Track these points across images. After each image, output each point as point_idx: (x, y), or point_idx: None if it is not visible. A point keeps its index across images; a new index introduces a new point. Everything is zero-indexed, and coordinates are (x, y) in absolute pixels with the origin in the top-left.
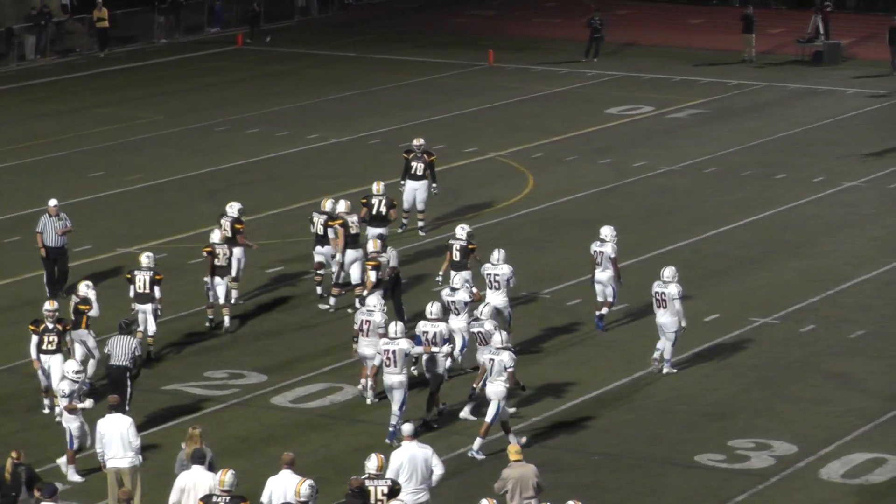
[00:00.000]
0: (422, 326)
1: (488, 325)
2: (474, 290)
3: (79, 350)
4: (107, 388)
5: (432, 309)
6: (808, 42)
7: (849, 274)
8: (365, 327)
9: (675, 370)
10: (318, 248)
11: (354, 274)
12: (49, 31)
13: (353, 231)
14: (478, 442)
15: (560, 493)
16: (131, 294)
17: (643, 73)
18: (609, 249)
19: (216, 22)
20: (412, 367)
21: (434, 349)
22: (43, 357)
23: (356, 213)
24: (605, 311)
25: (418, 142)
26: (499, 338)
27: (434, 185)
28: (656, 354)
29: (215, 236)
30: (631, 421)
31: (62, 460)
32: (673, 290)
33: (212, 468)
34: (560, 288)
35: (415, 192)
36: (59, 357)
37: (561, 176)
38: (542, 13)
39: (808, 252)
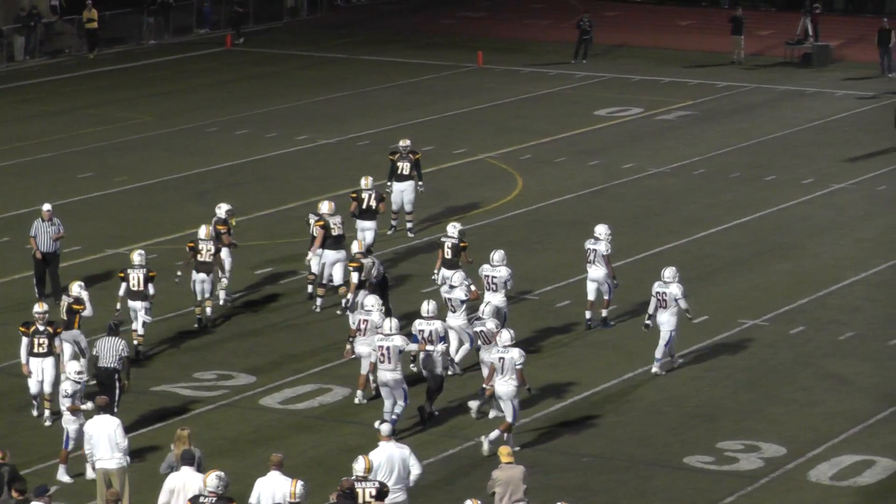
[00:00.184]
0: (417, 325)
1: (490, 324)
2: (472, 288)
3: (68, 350)
4: (95, 390)
5: (428, 307)
6: (797, 44)
7: (838, 276)
8: (363, 326)
9: (663, 372)
10: (330, 253)
11: (337, 275)
12: (38, 32)
13: (336, 232)
14: (495, 433)
15: (548, 494)
16: (121, 292)
17: (632, 74)
18: (603, 248)
19: (205, 23)
20: (411, 364)
21: (429, 347)
22: (34, 360)
23: (339, 215)
24: (604, 311)
25: (404, 143)
26: (507, 335)
27: (420, 183)
28: (674, 356)
29: (201, 232)
30: (620, 423)
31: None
32: (675, 290)
33: (201, 469)
34: (549, 289)
35: (402, 193)
36: (50, 360)
37: (550, 177)
38: (532, 15)
39: (798, 254)
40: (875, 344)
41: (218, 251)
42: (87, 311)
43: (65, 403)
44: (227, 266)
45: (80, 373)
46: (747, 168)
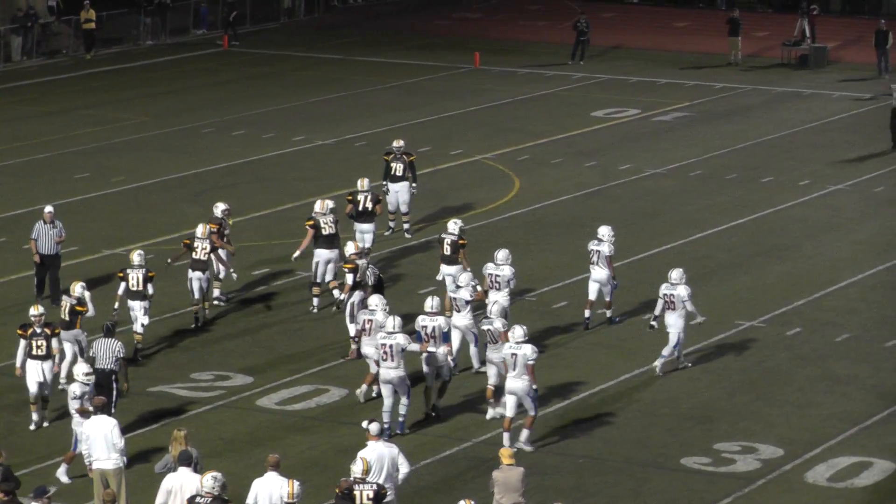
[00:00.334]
0: (420, 321)
1: (497, 323)
2: (479, 289)
3: (69, 350)
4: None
5: (432, 303)
6: (794, 45)
7: (834, 277)
8: (367, 326)
9: (661, 373)
10: (322, 252)
11: (329, 275)
12: (35, 32)
13: (328, 231)
14: (525, 434)
15: (544, 496)
16: (120, 291)
17: (629, 76)
18: (606, 249)
19: (202, 24)
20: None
21: (431, 348)
22: (33, 362)
23: (332, 214)
24: (608, 312)
25: (398, 143)
26: (521, 331)
27: (413, 185)
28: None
29: (199, 230)
30: (616, 424)
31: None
32: (682, 291)
33: (198, 470)
34: (546, 290)
35: (396, 194)
36: (49, 363)
37: (546, 178)
38: (528, 16)
39: (793, 255)
40: (871, 345)
41: (214, 250)
42: (90, 312)
43: (73, 405)
44: (223, 266)
45: (88, 374)
46: (744, 169)
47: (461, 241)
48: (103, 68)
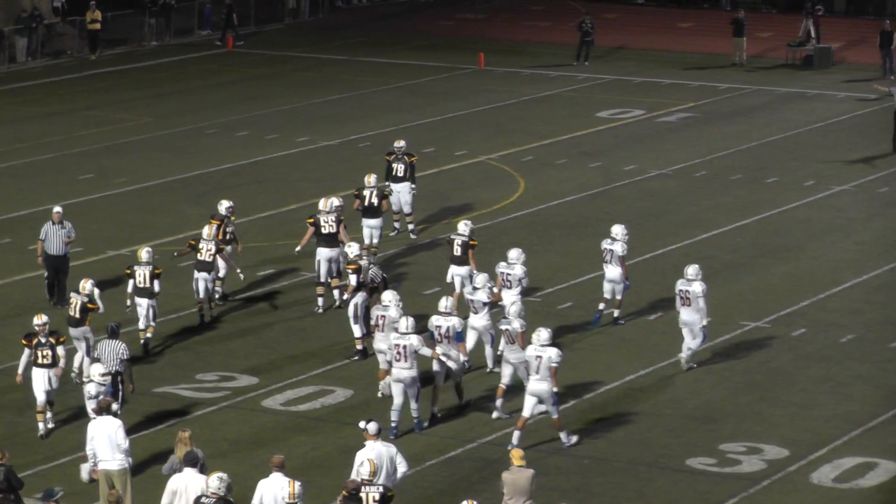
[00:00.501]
0: (434, 320)
1: (515, 324)
2: (495, 290)
3: (82, 348)
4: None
5: (446, 303)
6: (798, 46)
7: (838, 278)
8: (380, 322)
9: (692, 364)
10: (322, 250)
11: (324, 272)
12: (39, 33)
13: (327, 230)
14: (562, 434)
15: (548, 496)
16: (129, 289)
17: (633, 76)
18: (619, 248)
19: (206, 25)
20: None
21: (441, 357)
22: (39, 371)
23: (335, 213)
24: (615, 312)
25: (399, 144)
26: (546, 334)
27: (413, 185)
28: (684, 354)
29: (204, 231)
30: (620, 424)
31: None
32: (697, 287)
33: (204, 470)
34: (550, 291)
35: (398, 194)
36: (55, 371)
37: (551, 179)
38: (531, 17)
39: (798, 256)
40: (875, 346)
41: (219, 251)
42: (100, 311)
43: (90, 405)
44: (223, 266)
45: (104, 375)
46: (748, 170)
47: (472, 242)
48: (107, 69)
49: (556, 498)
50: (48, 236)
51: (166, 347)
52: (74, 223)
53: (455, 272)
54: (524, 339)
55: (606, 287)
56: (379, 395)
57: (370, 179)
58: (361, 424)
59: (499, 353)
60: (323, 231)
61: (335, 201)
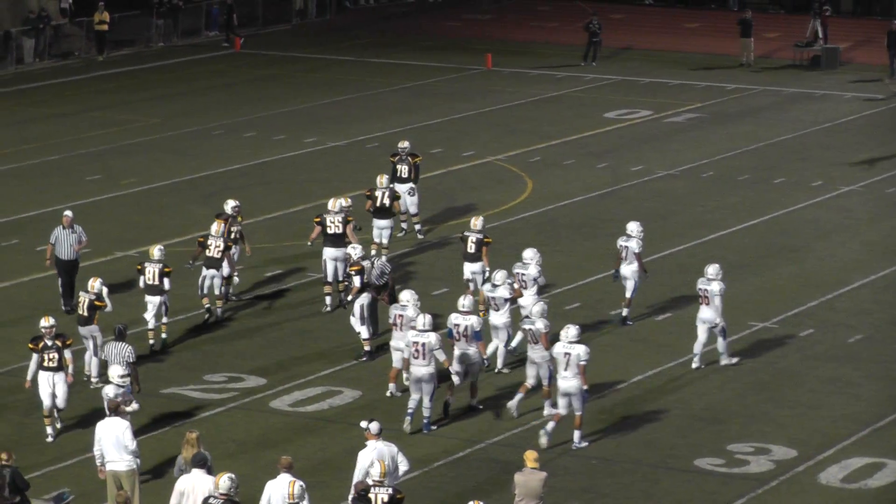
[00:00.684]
0: (453, 319)
1: (539, 324)
2: (515, 286)
3: (89, 346)
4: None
5: (464, 301)
6: (806, 46)
7: (846, 278)
8: (398, 321)
9: (733, 360)
10: (328, 250)
11: (330, 272)
12: (47, 34)
13: (333, 231)
14: (577, 434)
15: (556, 496)
16: (141, 285)
17: (640, 77)
18: (634, 245)
19: (213, 26)
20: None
21: (456, 367)
22: (45, 374)
23: (343, 213)
24: (624, 311)
25: (403, 144)
26: (574, 331)
27: (412, 186)
28: (697, 350)
29: (213, 228)
30: (627, 425)
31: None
32: (715, 287)
33: (211, 472)
34: (557, 292)
35: (403, 195)
36: (61, 374)
37: (558, 180)
38: (538, 17)
39: (805, 256)
40: (884, 346)
41: (227, 249)
42: (108, 308)
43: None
44: (226, 266)
45: (123, 376)
46: (755, 171)
47: (486, 240)
48: (115, 70)
49: (563, 498)
50: (59, 240)
51: (174, 348)
52: (82, 224)
53: (470, 269)
54: (548, 340)
55: (628, 285)
56: (388, 395)
57: (382, 180)
58: (363, 424)
59: (520, 353)
60: (329, 231)
61: (343, 202)
